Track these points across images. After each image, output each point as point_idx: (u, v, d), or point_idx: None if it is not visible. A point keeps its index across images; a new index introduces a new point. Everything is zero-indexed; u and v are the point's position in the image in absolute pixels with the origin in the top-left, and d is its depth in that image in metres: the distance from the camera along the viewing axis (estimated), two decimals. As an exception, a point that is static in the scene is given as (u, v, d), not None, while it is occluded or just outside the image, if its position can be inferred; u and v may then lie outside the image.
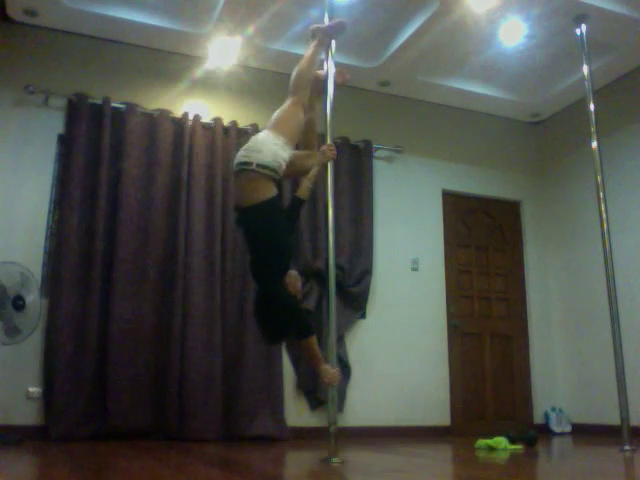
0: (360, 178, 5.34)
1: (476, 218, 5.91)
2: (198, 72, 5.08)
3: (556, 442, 4.76)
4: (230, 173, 4.83)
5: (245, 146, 3.26)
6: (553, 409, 5.55)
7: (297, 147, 3.43)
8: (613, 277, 3.97)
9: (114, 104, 4.69)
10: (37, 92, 4.55)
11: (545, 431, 5.43)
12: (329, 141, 3.45)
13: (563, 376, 5.71)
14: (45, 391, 4.19)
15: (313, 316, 4.83)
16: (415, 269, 5.47)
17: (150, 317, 4.45)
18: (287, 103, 3.35)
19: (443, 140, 5.88)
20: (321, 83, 3.52)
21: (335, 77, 3.54)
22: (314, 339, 3.09)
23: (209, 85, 5.11)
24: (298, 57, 4.90)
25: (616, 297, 3.95)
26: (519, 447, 3.89)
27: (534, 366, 5.73)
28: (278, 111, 3.35)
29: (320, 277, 4.85)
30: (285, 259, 3.20)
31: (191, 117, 4.87)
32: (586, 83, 4.29)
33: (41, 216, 4.47)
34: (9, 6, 4.46)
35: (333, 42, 3.60)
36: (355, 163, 5.37)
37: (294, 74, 3.43)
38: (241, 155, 3.21)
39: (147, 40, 4.91)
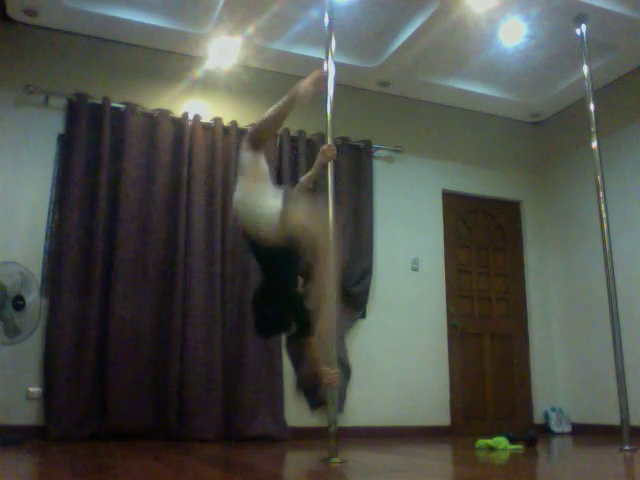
0: (360, 178, 5.34)
1: (476, 218, 5.91)
2: (198, 72, 5.08)
3: (556, 442, 4.76)
4: (230, 174, 4.85)
5: (252, 210, 2.97)
6: (553, 409, 5.55)
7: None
8: (613, 277, 3.96)
9: (114, 104, 4.69)
10: (37, 92, 4.55)
11: (545, 431, 5.43)
12: (329, 141, 3.44)
13: (563, 376, 5.71)
14: (45, 391, 4.18)
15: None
16: (415, 269, 5.47)
17: (150, 317, 4.45)
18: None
19: (443, 140, 5.88)
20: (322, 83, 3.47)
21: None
22: (315, 339, 3.09)
23: (209, 85, 5.11)
24: (298, 57, 4.99)
25: (616, 297, 3.95)
26: (519, 447, 3.89)
27: (534, 366, 5.73)
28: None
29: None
30: (297, 265, 3.20)
31: (191, 117, 4.87)
32: (586, 83, 4.29)
33: (41, 216, 4.47)
34: (9, 6, 4.46)
35: (333, 41, 3.58)
36: (355, 163, 5.37)
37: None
38: (244, 219, 3.00)
39: (147, 40, 4.91)
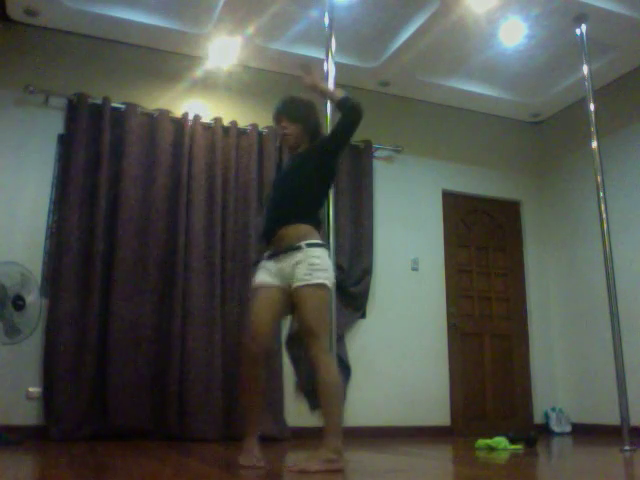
0: (360, 178, 5.34)
1: (476, 218, 5.91)
2: (198, 72, 5.08)
3: (556, 442, 4.76)
4: (230, 174, 4.85)
5: None
6: (553, 409, 5.55)
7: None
8: (613, 277, 3.96)
9: (114, 104, 4.68)
10: (37, 92, 4.54)
11: (545, 431, 5.43)
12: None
13: (563, 376, 5.71)
14: (45, 391, 4.18)
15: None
16: (415, 269, 5.47)
17: (150, 317, 4.45)
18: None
19: (443, 140, 5.88)
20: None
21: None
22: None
23: (209, 85, 5.11)
24: (298, 57, 4.98)
25: (616, 297, 3.95)
26: (519, 447, 3.89)
27: (534, 366, 5.73)
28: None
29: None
30: None
31: (191, 117, 4.87)
32: (586, 83, 4.29)
33: (41, 216, 4.47)
34: (9, 6, 4.46)
35: (333, 41, 3.57)
36: (355, 163, 5.37)
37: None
38: None
39: (147, 40, 4.91)
